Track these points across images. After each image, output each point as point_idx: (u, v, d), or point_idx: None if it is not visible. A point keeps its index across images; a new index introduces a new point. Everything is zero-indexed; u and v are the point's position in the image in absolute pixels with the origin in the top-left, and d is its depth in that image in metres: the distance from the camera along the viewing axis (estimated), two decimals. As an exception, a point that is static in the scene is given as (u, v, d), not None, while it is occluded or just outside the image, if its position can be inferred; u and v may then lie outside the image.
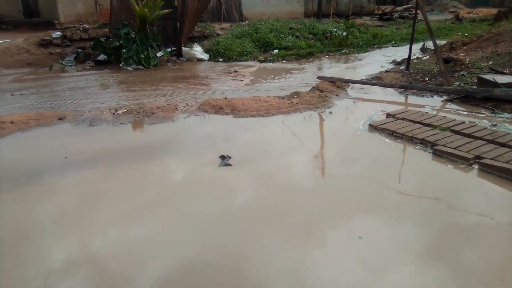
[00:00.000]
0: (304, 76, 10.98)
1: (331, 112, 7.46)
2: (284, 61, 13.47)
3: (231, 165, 5.26)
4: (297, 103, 7.75)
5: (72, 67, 12.44)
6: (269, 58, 13.77)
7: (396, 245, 3.72)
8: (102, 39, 13.02)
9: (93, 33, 14.12)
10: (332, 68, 12.18)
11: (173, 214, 4.25)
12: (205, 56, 13.81)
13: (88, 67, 12.14)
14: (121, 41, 12.26)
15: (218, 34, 15.97)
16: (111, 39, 13.02)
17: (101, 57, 12.69)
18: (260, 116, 7.14)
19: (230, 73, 11.40)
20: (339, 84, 9.09)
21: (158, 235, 3.88)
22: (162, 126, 6.83)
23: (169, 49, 13.62)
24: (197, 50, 13.84)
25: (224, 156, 5.46)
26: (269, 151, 5.79)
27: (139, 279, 3.29)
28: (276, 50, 14.92)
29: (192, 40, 15.02)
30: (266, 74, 11.56)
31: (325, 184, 4.95)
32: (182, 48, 13.66)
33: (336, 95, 8.50)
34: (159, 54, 12.97)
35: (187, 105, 7.64)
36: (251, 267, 3.43)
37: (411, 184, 4.93)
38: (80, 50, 13.40)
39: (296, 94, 8.28)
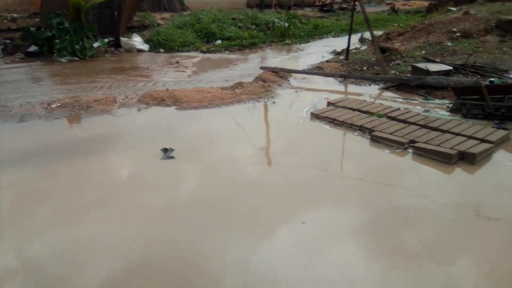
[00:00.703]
0: (247, 66, 10.97)
1: (274, 102, 7.52)
2: (227, 52, 13.39)
3: (174, 157, 5.16)
4: (240, 93, 7.73)
5: None
6: (212, 49, 13.62)
7: (338, 228, 3.83)
8: (32, 29, 12.22)
9: (23, 23, 13.22)
10: (275, 58, 12.27)
11: (117, 211, 4.10)
12: (145, 47, 13.40)
13: (17, 60, 11.36)
14: (53, 31, 11.57)
15: (158, 24, 15.55)
16: (42, 29, 12.26)
17: (32, 48, 11.91)
18: (203, 108, 7.05)
19: (171, 64, 11.16)
20: (281, 74, 9.18)
21: (102, 234, 3.72)
22: (100, 120, 6.55)
23: (106, 40, 13.06)
24: (137, 41, 13.40)
25: (166, 149, 5.34)
26: (213, 143, 5.74)
27: (82, 282, 3.15)
28: (219, 41, 14.79)
29: (131, 30, 14.50)
30: (209, 65, 11.43)
31: (270, 173, 4.99)
32: (121, 38, 13.15)
33: (279, 85, 8.58)
34: (95, 44, 12.40)
35: (127, 97, 7.38)
36: (201, 260, 3.38)
37: (351, 169, 5.09)
38: (8, 41, 12.50)
39: (240, 84, 8.26)
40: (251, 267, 3.30)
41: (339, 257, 3.43)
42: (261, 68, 9.50)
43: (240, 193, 4.46)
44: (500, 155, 5.26)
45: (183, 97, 7.26)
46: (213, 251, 3.47)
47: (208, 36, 15.14)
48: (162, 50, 13.38)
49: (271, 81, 8.63)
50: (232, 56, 12.77)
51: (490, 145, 5.30)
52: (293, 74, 9.32)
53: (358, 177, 4.79)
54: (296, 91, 8.24)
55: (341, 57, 11.01)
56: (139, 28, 15.03)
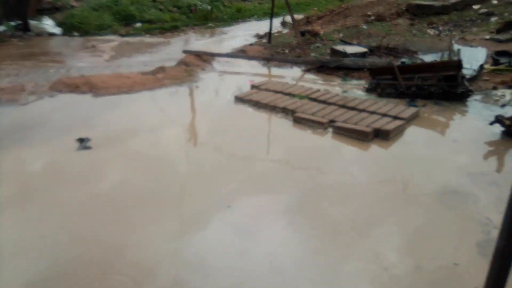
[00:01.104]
0: (169, 50, 10.66)
1: (198, 86, 7.40)
2: (147, 35, 12.90)
3: (91, 147, 4.89)
4: (162, 78, 7.50)
5: None
6: (131, 32, 13.04)
7: (265, 209, 3.89)
8: None
9: None
10: (198, 42, 12.04)
11: (34, 208, 3.79)
12: (58, 30, 12.48)
13: None
14: None
15: (72, 6, 14.54)
16: None
17: None
18: (122, 94, 6.75)
19: (87, 48, 10.53)
20: (205, 58, 9.03)
21: (18, 235, 3.43)
22: (7, 110, 6.01)
23: (13, 23, 11.98)
24: (48, 24, 12.44)
25: (82, 138, 5.04)
26: (135, 130, 5.52)
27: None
28: (139, 24, 14.18)
29: (41, 12, 13.42)
30: (128, 49, 10.95)
31: (194, 158, 4.91)
32: (30, 21, 12.13)
33: (202, 69, 8.45)
34: (0, 28, 11.33)
35: (37, 85, 6.84)
36: (131, 253, 3.26)
37: (276, 151, 5.18)
38: None
39: (161, 69, 8.00)
40: (183, 256, 3.25)
41: (268, 239, 3.48)
42: (184, 51, 9.27)
43: (165, 180, 4.35)
44: (411, 131, 5.63)
45: (100, 83, 6.88)
46: (143, 243, 3.37)
47: (127, 19, 14.45)
48: (76, 34, 12.56)
49: (194, 65, 8.47)
50: (153, 39, 12.33)
51: (402, 121, 5.65)
52: (216, 57, 9.22)
53: (283, 158, 4.88)
54: (220, 75, 8.18)
55: (264, 40, 11.09)
56: (51, 11, 13.94)
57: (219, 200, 3.97)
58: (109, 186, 4.22)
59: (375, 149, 5.18)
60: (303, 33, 10.09)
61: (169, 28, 13.84)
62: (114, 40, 11.93)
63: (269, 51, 9.82)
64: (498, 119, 5.35)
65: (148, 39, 12.42)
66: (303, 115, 5.90)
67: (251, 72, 8.38)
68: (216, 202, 3.94)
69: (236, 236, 3.49)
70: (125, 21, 14.35)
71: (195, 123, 5.95)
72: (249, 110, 6.29)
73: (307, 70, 8.33)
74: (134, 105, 6.41)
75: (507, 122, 5.31)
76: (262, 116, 6.13)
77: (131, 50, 10.78)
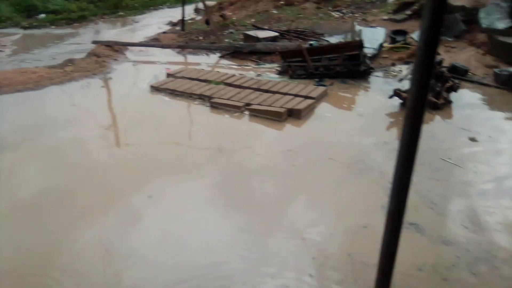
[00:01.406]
0: (78, 42, 10.17)
1: (111, 78, 7.22)
2: (53, 27, 12.16)
3: (-3, 148, 4.63)
4: (71, 71, 7.20)
5: None
6: (34, 24, 12.20)
7: (190, 194, 4.00)
8: None
9: None
10: (109, 32, 11.60)
11: None
12: None
13: None
14: None
15: (-39, -2, 13.22)
16: None
17: None
18: (28, 90, 6.39)
19: (-16, 43, 9.71)
20: (117, 48, 8.78)
21: None
22: None
23: None
24: None
25: (-13, 139, 4.75)
26: (46, 127, 5.29)
27: None
28: (43, 15, 13.29)
29: None
30: (32, 42, 10.27)
31: (112, 151, 4.86)
32: None
33: (115, 59, 8.22)
34: None
35: None
36: (60, 254, 3.20)
37: (195, 137, 5.27)
38: None
39: (70, 61, 7.67)
40: (113, 249, 3.26)
41: (196, 223, 3.60)
42: (93, 42, 8.92)
43: (84, 177, 4.26)
44: (321, 108, 6.01)
45: (2, 80, 6.45)
46: (68, 243, 3.32)
47: (29, 10, 13.48)
48: (-31, 28, 11.49)
49: (106, 55, 8.21)
50: (60, 31, 11.66)
51: (313, 100, 6.01)
52: (129, 47, 9.00)
53: (203, 144, 4.99)
54: (134, 65, 8.02)
55: (178, 27, 10.98)
56: None
57: (143, 190, 3.99)
58: (26, 189, 4.05)
59: (289, 127, 5.47)
60: (207, 22, 10.10)
61: (76, 19, 13.15)
62: (16, 33, 11.11)
63: (183, 38, 9.77)
64: (396, 93, 5.90)
65: (54, 30, 11.73)
66: (219, 100, 6.04)
67: (166, 60, 8.31)
68: (141, 193, 3.96)
69: (164, 224, 3.56)
70: (27, 12, 13.39)
71: (110, 116, 5.83)
72: (166, 99, 6.29)
73: (222, 56, 8.45)
74: (42, 101, 6.12)
75: (404, 95, 5.88)
76: (179, 104, 6.16)
77: (36, 43, 10.12)
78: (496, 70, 6.75)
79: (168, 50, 8.95)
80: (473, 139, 5.00)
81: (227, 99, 6.07)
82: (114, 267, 3.08)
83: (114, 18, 13.76)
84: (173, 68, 7.53)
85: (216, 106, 5.97)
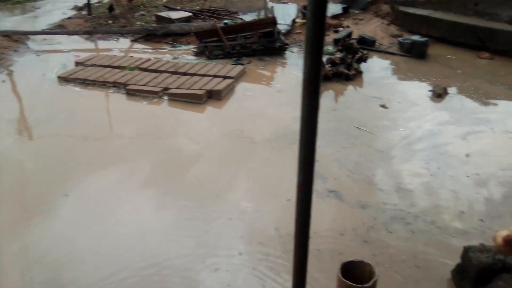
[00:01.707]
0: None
1: (12, 71, 6.63)
2: None
3: None
4: (-35, 66, 6.49)
5: None
6: None
7: (119, 186, 3.86)
8: None
9: None
10: (5, 21, 10.58)
11: None
12: None
13: None
14: None
15: None
16: None
17: None
18: None
19: None
20: (16, 38, 8.04)
21: None
22: None
23: None
24: None
25: None
26: None
27: None
28: None
29: None
30: None
31: (24, 149, 4.52)
32: None
33: (15, 50, 7.53)
34: None
35: None
36: None
37: (114, 127, 5.06)
38: None
39: (-38, 56, 6.90)
40: (31, 251, 3.07)
41: (130, 215, 3.49)
42: (-12, 33, 8.09)
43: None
44: (241, 87, 6.03)
45: None
46: None
47: None
48: None
49: (4, 47, 7.49)
50: None
51: (232, 80, 6.00)
52: (31, 36, 8.29)
53: (124, 133, 4.80)
54: (38, 55, 7.41)
55: (84, 12, 10.30)
56: None
57: (57, 189, 3.77)
58: None
59: (210, 109, 5.43)
60: (110, 8, 9.57)
61: (-36, 7, 11.79)
62: None
63: (91, 23, 9.20)
64: (310, 67, 6.07)
65: None
66: (135, 87, 5.81)
67: (74, 48, 7.78)
68: (56, 192, 3.73)
69: (95, 220, 3.41)
70: None
71: (16, 112, 5.38)
72: (77, 89, 5.92)
73: (135, 40, 8.10)
74: None
75: (318, 68, 6.07)
76: (92, 93, 5.84)
77: None
78: (399, 39, 7.20)
79: (76, 37, 8.38)
80: (383, 106, 5.32)
81: (144, 85, 5.86)
82: (34, 272, 2.90)
83: (10, 5, 12.56)
84: (83, 56, 7.08)
85: (132, 93, 5.74)
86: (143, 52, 7.50)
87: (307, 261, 1.39)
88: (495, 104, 5.40)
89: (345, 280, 2.21)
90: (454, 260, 2.81)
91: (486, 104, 5.40)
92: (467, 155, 4.24)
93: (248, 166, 4.18)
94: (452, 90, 5.68)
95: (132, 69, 6.41)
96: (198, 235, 3.23)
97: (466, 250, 2.71)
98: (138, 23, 8.92)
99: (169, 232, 3.28)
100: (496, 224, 3.21)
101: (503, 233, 2.58)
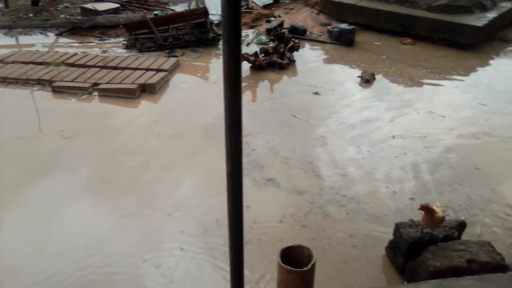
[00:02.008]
0: None
1: None
2: None
3: None
4: None
5: None
6: None
7: (60, 191, 3.67)
8: None
9: None
10: None
11: None
12: None
13: None
14: None
15: None
16: None
17: None
18: None
19: None
20: None
21: None
22: None
23: None
24: None
25: None
26: None
27: None
28: None
29: None
30: None
31: None
32: None
33: None
34: None
35: None
36: None
37: (42, 128, 4.76)
38: None
39: None
40: None
41: (75, 217, 3.36)
42: None
43: None
44: (176, 80, 5.92)
45: None
46: None
47: None
48: None
49: None
50: None
51: (165, 73, 5.86)
52: None
53: (53, 134, 4.53)
54: None
55: (1, 5, 9.55)
56: None
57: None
58: None
59: (145, 104, 5.29)
60: (36, 1, 8.98)
61: None
62: None
63: (9, 17, 8.55)
64: (244, 57, 6.09)
65: None
66: (62, 84, 5.51)
67: (-9, 44, 7.22)
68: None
69: (35, 227, 3.23)
70: None
71: None
72: (-4, 88, 5.51)
73: (60, 34, 7.64)
74: None
75: (252, 58, 6.10)
76: (14, 92, 5.46)
77: None
78: (329, 27, 7.42)
79: (-8, 32, 7.77)
80: (317, 93, 5.47)
81: (71, 81, 5.57)
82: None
83: None
84: (2, 52, 6.59)
85: (59, 90, 5.43)
86: (69, 47, 7.11)
87: (243, 251, 1.40)
88: (419, 87, 5.74)
89: (284, 265, 2.26)
90: (387, 237, 2.97)
91: (410, 86, 5.73)
92: (393, 137, 4.48)
93: (186, 159, 4.14)
94: (379, 75, 5.96)
95: (57, 64, 6.06)
96: (138, 232, 3.16)
97: (397, 227, 2.89)
98: (62, 16, 8.43)
99: (109, 232, 3.19)
100: (425, 201, 3.44)
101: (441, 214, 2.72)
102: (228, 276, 2.72)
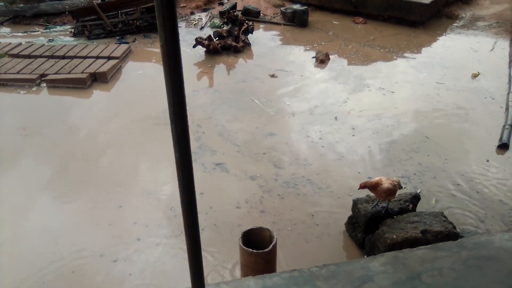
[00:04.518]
0: None
1: None
2: None
3: None
4: None
5: None
6: None
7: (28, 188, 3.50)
8: None
9: None
10: None
11: None
12: None
13: None
14: None
15: None
16: None
17: None
18: None
19: None
20: None
21: None
22: None
23: None
24: None
25: None
26: None
27: None
28: None
29: None
30: None
31: None
32: None
33: None
34: None
35: None
36: None
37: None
38: None
39: None
40: None
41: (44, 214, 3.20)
42: None
43: None
44: (128, 67, 5.74)
45: None
46: None
47: None
48: None
49: None
50: None
51: (117, 60, 5.67)
52: None
53: (6, 131, 4.30)
54: None
55: None
56: None
57: None
58: None
59: (97, 93, 5.11)
60: None
61: None
62: None
63: None
64: (198, 41, 5.98)
65: None
66: (7, 76, 5.23)
67: None
68: None
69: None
70: None
71: None
72: None
73: (1, 23, 7.22)
74: None
75: (206, 42, 6.00)
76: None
77: None
78: (282, 8, 7.39)
79: None
80: (273, 76, 5.46)
81: (17, 72, 5.29)
82: None
83: None
84: None
85: (3, 83, 5.15)
86: (12, 37, 6.73)
87: (199, 237, 1.38)
88: (371, 64, 5.84)
89: (246, 248, 2.27)
90: (347, 214, 3.04)
91: (363, 64, 5.83)
92: (337, 118, 4.55)
93: (144, 147, 4.05)
94: (333, 55, 6.02)
95: (0, 56, 5.72)
96: (95, 225, 3.08)
97: (355, 203, 2.96)
98: (1, 4, 7.94)
99: (65, 227, 3.08)
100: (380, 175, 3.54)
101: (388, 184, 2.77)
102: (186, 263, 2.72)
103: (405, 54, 6.13)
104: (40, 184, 3.54)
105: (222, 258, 2.80)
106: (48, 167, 3.77)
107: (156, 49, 6.31)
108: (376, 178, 2.78)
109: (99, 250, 2.87)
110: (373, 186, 2.73)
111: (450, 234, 2.62)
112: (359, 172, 3.66)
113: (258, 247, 2.29)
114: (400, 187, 2.87)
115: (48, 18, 7.18)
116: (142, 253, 2.85)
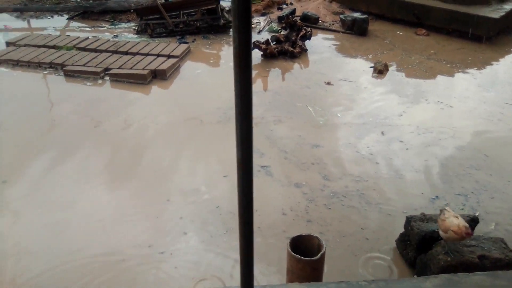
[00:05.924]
0: None
1: None
2: None
3: None
4: None
5: None
6: None
7: (72, 176, 3.68)
8: None
9: None
10: None
11: None
12: None
13: None
14: None
15: None
16: None
17: None
18: None
19: None
20: None
21: None
22: None
23: None
24: None
25: None
26: None
27: None
28: None
29: None
30: None
31: None
32: None
33: None
34: None
35: None
36: None
37: (56, 112, 4.77)
38: None
39: None
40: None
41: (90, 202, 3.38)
42: None
43: None
44: (187, 66, 5.89)
45: None
46: None
47: None
48: None
49: None
50: None
51: (176, 59, 5.83)
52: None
53: (67, 120, 4.54)
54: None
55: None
56: None
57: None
58: None
59: (156, 90, 5.28)
60: None
61: None
62: None
63: (21, 0, 8.56)
64: (256, 45, 6.02)
65: None
66: (74, 68, 5.52)
67: (3, 27, 7.23)
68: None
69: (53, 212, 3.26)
70: None
71: None
72: (9, 72, 5.53)
73: (71, 18, 7.64)
74: None
75: (263, 46, 6.04)
76: (27, 76, 5.48)
77: None
78: (341, 16, 7.30)
79: (4, 15, 7.78)
80: (328, 83, 5.40)
81: (83, 65, 5.58)
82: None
83: None
84: (14, 36, 6.60)
85: (71, 75, 5.44)
86: (80, 31, 7.10)
87: (253, 239, 1.38)
88: (433, 79, 5.63)
89: (294, 254, 2.25)
90: (398, 230, 2.94)
91: (424, 78, 5.63)
92: (384, 133, 4.41)
93: (194, 145, 4.14)
94: (392, 66, 5.86)
95: (69, 48, 6.06)
96: (143, 219, 3.17)
97: (409, 220, 2.85)
98: (74, -1, 8.42)
99: (115, 219, 3.20)
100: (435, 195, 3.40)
101: (453, 226, 2.45)
102: (232, 263, 2.74)
103: (470, 70, 5.85)
104: (92, 173, 3.70)
105: (266, 261, 2.79)
106: (103, 157, 3.94)
107: (213, 50, 6.43)
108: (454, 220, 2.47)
109: (147, 241, 2.95)
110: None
111: (511, 263, 2.46)
112: (422, 193, 3.51)
113: (305, 255, 2.26)
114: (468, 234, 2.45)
115: (114, 15, 7.52)
116: (188, 247, 2.90)
